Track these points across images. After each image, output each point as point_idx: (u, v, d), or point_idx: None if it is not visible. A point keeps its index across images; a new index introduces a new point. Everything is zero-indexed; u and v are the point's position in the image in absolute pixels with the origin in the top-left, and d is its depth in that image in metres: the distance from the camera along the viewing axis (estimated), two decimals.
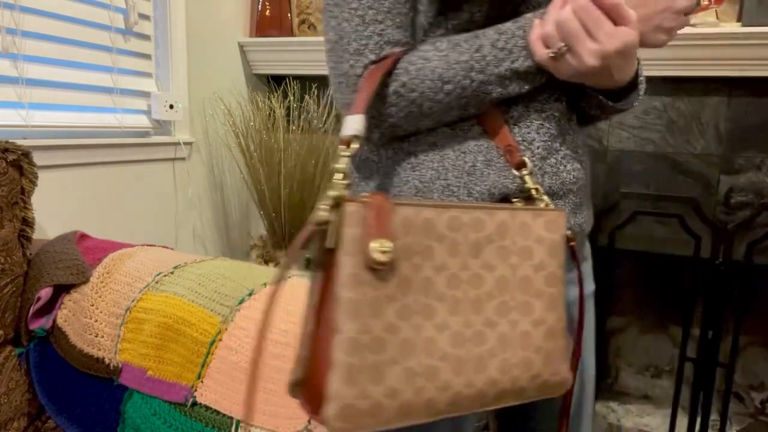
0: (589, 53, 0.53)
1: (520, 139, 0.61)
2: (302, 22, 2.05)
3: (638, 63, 0.66)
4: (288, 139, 1.83)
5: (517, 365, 0.54)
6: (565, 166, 0.64)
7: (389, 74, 0.59)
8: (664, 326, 1.90)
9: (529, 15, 0.58)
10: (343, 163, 0.51)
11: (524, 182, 0.60)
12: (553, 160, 0.63)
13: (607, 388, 1.96)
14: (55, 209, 1.37)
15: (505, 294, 0.55)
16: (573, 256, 0.63)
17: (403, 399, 0.48)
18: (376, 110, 0.59)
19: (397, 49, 0.59)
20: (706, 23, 1.52)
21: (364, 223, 0.48)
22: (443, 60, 0.58)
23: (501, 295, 0.54)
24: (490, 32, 0.58)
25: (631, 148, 1.71)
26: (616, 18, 0.52)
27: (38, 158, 1.13)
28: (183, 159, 1.77)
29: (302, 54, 1.98)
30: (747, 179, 1.61)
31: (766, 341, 1.78)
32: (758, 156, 1.60)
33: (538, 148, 0.62)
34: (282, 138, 1.81)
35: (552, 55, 0.55)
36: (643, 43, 0.60)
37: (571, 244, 0.60)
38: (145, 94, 1.65)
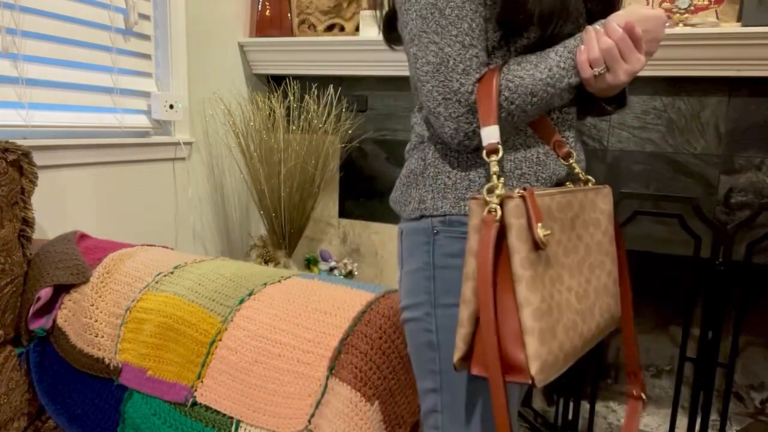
0: (624, 72, 0.69)
1: (564, 138, 0.79)
2: (302, 22, 2.05)
3: None
4: (288, 139, 1.83)
5: (606, 309, 0.72)
6: (580, 155, 0.82)
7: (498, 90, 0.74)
8: (664, 326, 1.90)
9: (571, 41, 0.73)
10: (494, 168, 0.67)
11: (573, 168, 0.78)
12: (578, 150, 0.81)
13: (607, 388, 1.96)
14: (55, 209, 1.37)
15: (591, 257, 0.70)
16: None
17: (566, 349, 0.62)
18: (477, 120, 0.72)
19: (485, 69, 0.72)
20: (706, 23, 1.52)
21: (525, 213, 0.61)
22: (531, 77, 0.71)
23: (589, 258, 0.70)
24: (552, 55, 0.72)
25: (631, 148, 1.71)
26: (638, 47, 0.69)
27: (38, 158, 1.13)
28: (183, 159, 1.77)
29: (302, 54, 1.98)
30: (747, 179, 1.61)
31: (766, 341, 1.78)
32: (758, 156, 1.60)
33: (571, 142, 0.80)
34: (282, 138, 1.81)
35: (597, 74, 0.70)
36: (615, 85, 0.74)
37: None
38: (145, 94, 1.65)
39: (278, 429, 0.86)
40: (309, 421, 0.85)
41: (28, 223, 1.10)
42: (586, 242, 0.70)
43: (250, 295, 0.99)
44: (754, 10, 1.45)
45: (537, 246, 0.61)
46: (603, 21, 0.72)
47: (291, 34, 2.05)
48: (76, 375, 1.04)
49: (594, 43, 0.70)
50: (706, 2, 1.49)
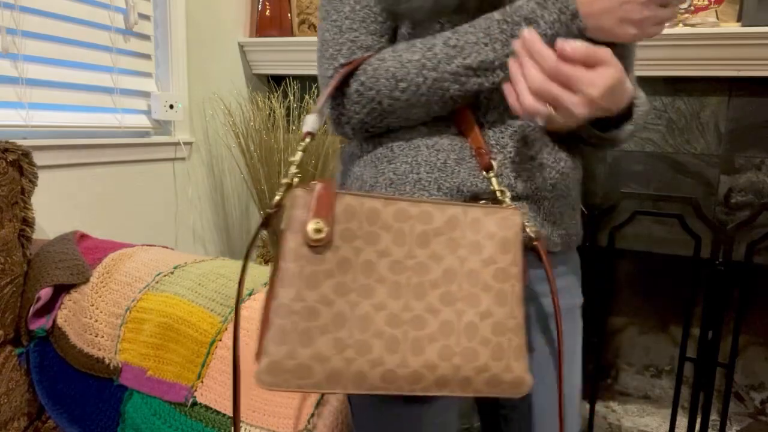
0: (576, 106, 0.53)
1: (494, 142, 0.64)
2: (302, 22, 2.05)
3: (635, 83, 0.69)
4: (288, 139, 1.83)
5: (460, 354, 0.56)
6: (541, 173, 0.65)
7: (351, 75, 0.64)
8: (664, 326, 1.90)
9: (488, 14, 0.60)
10: (297, 156, 0.58)
11: (491, 183, 0.63)
12: (528, 166, 0.65)
13: (607, 388, 1.96)
14: (55, 209, 1.37)
15: (452, 284, 0.57)
16: (539, 258, 0.62)
17: (332, 366, 0.53)
18: (343, 108, 0.65)
19: (368, 54, 0.65)
20: (706, 23, 1.52)
21: (308, 206, 0.54)
22: (396, 60, 0.62)
23: (447, 285, 0.57)
24: (447, 33, 0.61)
25: (631, 148, 1.71)
26: (591, 63, 0.52)
27: (38, 158, 1.13)
28: (183, 159, 1.77)
29: (302, 54, 1.98)
30: (747, 179, 1.61)
31: (766, 341, 1.78)
32: (758, 156, 1.60)
33: (510, 152, 0.64)
34: (282, 138, 1.81)
35: (543, 123, 0.56)
36: (612, 37, 0.58)
37: (534, 243, 0.61)
38: (145, 94, 1.65)
39: (278, 429, 0.86)
40: (308, 421, 0.85)
41: (28, 223, 1.10)
42: (447, 266, 0.57)
43: (250, 295, 0.99)
44: (754, 10, 1.45)
45: (310, 244, 0.53)
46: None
47: (291, 34, 2.05)
48: (76, 375, 1.04)
49: (521, 84, 0.55)
50: (706, 2, 1.49)
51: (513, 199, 0.64)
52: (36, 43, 1.32)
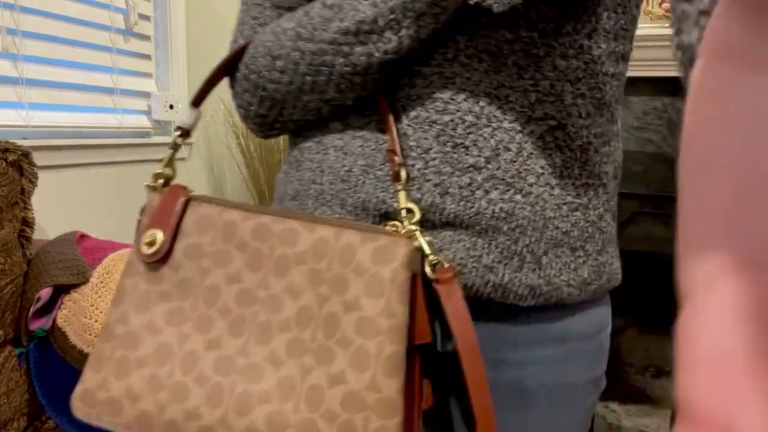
0: None
1: (414, 143, 0.47)
2: None
3: None
4: (287, 139, 1.83)
5: (296, 426, 0.42)
6: (486, 193, 0.47)
7: (239, 58, 0.52)
8: (664, 326, 1.90)
9: None
10: (168, 156, 0.51)
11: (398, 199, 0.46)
12: (465, 180, 0.47)
13: (606, 388, 1.96)
14: (55, 209, 1.37)
15: (305, 330, 0.44)
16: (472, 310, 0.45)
17: (143, 408, 0.44)
18: (238, 98, 0.54)
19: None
20: None
21: (149, 213, 0.47)
22: (272, 32, 0.49)
23: (299, 330, 0.44)
24: None
25: (632, 149, 1.71)
26: None
27: (38, 158, 1.13)
28: (183, 159, 1.77)
29: None
30: None
31: None
32: None
33: (434, 159, 0.47)
34: (282, 138, 1.81)
35: None
36: None
37: (435, 286, 0.44)
38: (145, 95, 1.65)
39: None
40: None
41: (28, 223, 1.10)
42: (303, 305, 0.44)
43: None
44: None
45: (143, 259, 0.46)
46: None
47: None
48: (76, 375, 1.04)
49: None
50: None
51: (444, 226, 0.47)
52: (36, 43, 1.32)
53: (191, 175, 1.81)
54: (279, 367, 0.43)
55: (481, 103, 0.47)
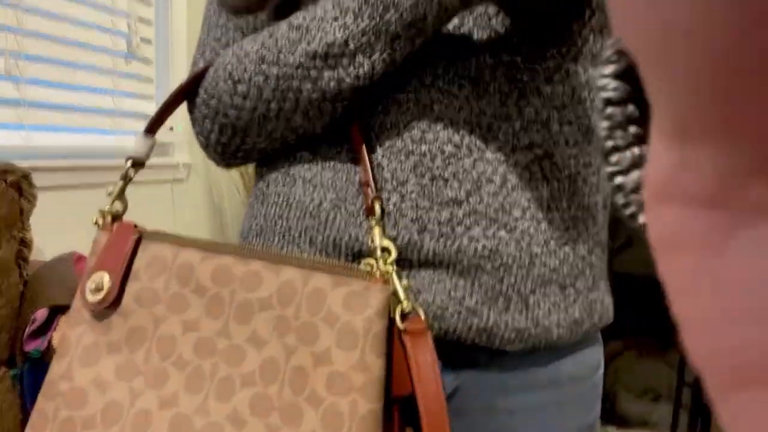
0: None
1: (389, 175, 0.44)
2: None
3: None
4: None
5: None
6: (468, 229, 0.43)
7: (198, 82, 0.49)
8: (662, 351, 1.89)
9: None
10: (117, 187, 0.47)
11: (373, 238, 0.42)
12: (445, 215, 0.43)
13: (605, 412, 1.95)
14: (53, 230, 1.37)
15: (271, 385, 0.39)
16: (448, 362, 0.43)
17: None
18: (197, 126, 0.51)
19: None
20: None
21: (99, 254, 0.43)
22: (235, 54, 0.46)
23: (264, 385, 0.39)
24: (303, 10, 0.44)
25: None
26: None
27: (37, 179, 1.14)
28: (181, 181, 1.77)
29: None
30: None
31: None
32: None
33: (412, 192, 0.43)
34: None
35: None
36: None
37: (403, 337, 0.40)
38: (146, 116, 1.66)
39: None
40: None
41: (25, 244, 1.10)
42: (269, 356, 0.40)
43: None
44: None
45: (88, 306, 0.42)
46: None
47: None
48: None
49: None
50: None
51: (423, 265, 0.44)
52: (38, 65, 1.34)
53: (190, 198, 1.81)
54: (242, 427, 0.38)
55: (461, 132, 0.43)
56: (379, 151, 0.44)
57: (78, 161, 1.41)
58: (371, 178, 0.43)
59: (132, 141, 1.64)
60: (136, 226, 0.44)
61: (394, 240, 0.42)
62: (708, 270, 0.09)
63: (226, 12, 0.50)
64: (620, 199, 0.18)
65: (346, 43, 0.41)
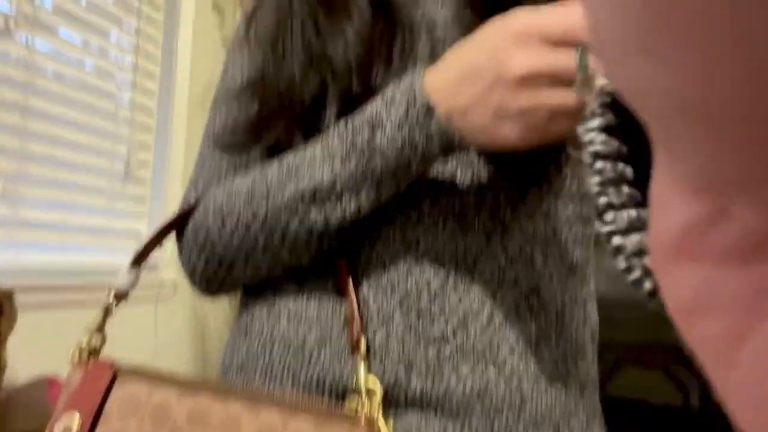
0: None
1: (375, 311, 0.44)
2: None
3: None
4: None
5: None
6: (456, 367, 0.43)
7: (188, 217, 0.51)
8: None
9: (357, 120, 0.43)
10: (96, 319, 0.46)
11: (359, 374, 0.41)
12: (432, 353, 0.43)
13: None
14: (31, 351, 1.33)
15: None
16: None
17: None
18: (185, 256, 0.51)
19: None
20: None
21: (71, 393, 0.41)
22: (225, 189, 0.48)
23: None
24: (289, 153, 0.46)
25: (611, 296, 1.74)
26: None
27: (20, 298, 1.12)
28: (167, 299, 1.75)
29: None
30: None
31: None
32: None
33: (398, 328, 0.43)
34: None
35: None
36: (494, 142, 0.38)
37: None
38: (136, 234, 1.68)
39: None
40: None
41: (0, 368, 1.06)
42: None
43: None
44: None
45: None
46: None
47: None
48: None
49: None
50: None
51: (410, 405, 0.42)
52: (33, 187, 1.37)
53: (173, 317, 1.79)
54: None
55: (446, 268, 0.44)
56: (365, 285, 0.44)
57: (64, 280, 1.41)
58: (357, 313, 0.42)
59: (118, 260, 1.63)
60: (112, 364, 0.43)
61: (380, 378, 0.41)
62: (749, 335, 0.08)
63: (220, 148, 0.52)
64: (621, 263, 0.17)
65: (333, 184, 0.42)
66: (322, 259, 0.46)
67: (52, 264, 1.41)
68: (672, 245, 0.08)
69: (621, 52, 0.07)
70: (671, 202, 0.08)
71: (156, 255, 1.68)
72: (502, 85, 0.36)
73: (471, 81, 0.37)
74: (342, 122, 0.43)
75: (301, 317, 0.46)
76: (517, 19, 0.36)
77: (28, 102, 1.31)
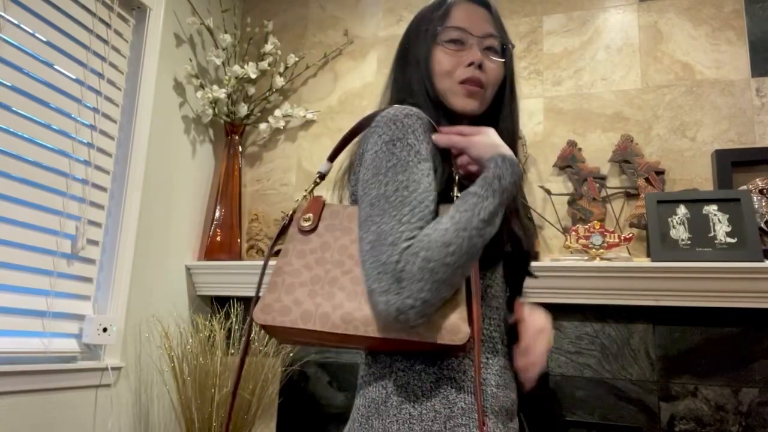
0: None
1: (486, 377, 0.78)
2: (251, 247, 2.14)
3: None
4: (226, 362, 1.77)
5: (342, 308, 0.73)
6: (507, 394, 0.80)
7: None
8: None
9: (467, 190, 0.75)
10: (307, 191, 0.85)
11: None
12: (496, 334, 0.82)
13: None
14: None
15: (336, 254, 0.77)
16: None
17: (304, 308, 0.73)
18: (406, 291, 0.68)
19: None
20: (620, 258, 1.67)
21: (302, 208, 0.81)
22: (437, 229, 0.69)
23: (339, 255, 0.77)
24: (453, 205, 0.74)
25: (570, 373, 1.72)
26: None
27: None
28: (108, 386, 1.66)
29: (249, 276, 2.03)
30: (685, 406, 1.62)
31: None
32: (691, 383, 1.63)
33: (492, 382, 0.78)
34: (219, 361, 1.75)
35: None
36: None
37: None
38: (79, 317, 1.60)
39: None
40: None
41: None
42: (341, 244, 0.77)
43: None
44: (660, 249, 1.61)
45: (301, 230, 0.79)
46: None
47: (240, 258, 2.12)
48: None
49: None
50: (617, 240, 1.66)
51: (500, 353, 0.83)
52: None
53: (114, 404, 1.68)
54: (346, 275, 0.75)
55: (500, 307, 0.86)
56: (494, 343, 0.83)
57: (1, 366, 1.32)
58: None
59: (59, 343, 1.54)
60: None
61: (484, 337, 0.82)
62: None
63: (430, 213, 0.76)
64: None
65: (495, 211, 0.71)
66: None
67: None
68: None
69: None
70: None
71: (101, 339, 1.60)
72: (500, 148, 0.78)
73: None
74: (478, 184, 0.73)
75: (488, 365, 0.80)
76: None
77: None
